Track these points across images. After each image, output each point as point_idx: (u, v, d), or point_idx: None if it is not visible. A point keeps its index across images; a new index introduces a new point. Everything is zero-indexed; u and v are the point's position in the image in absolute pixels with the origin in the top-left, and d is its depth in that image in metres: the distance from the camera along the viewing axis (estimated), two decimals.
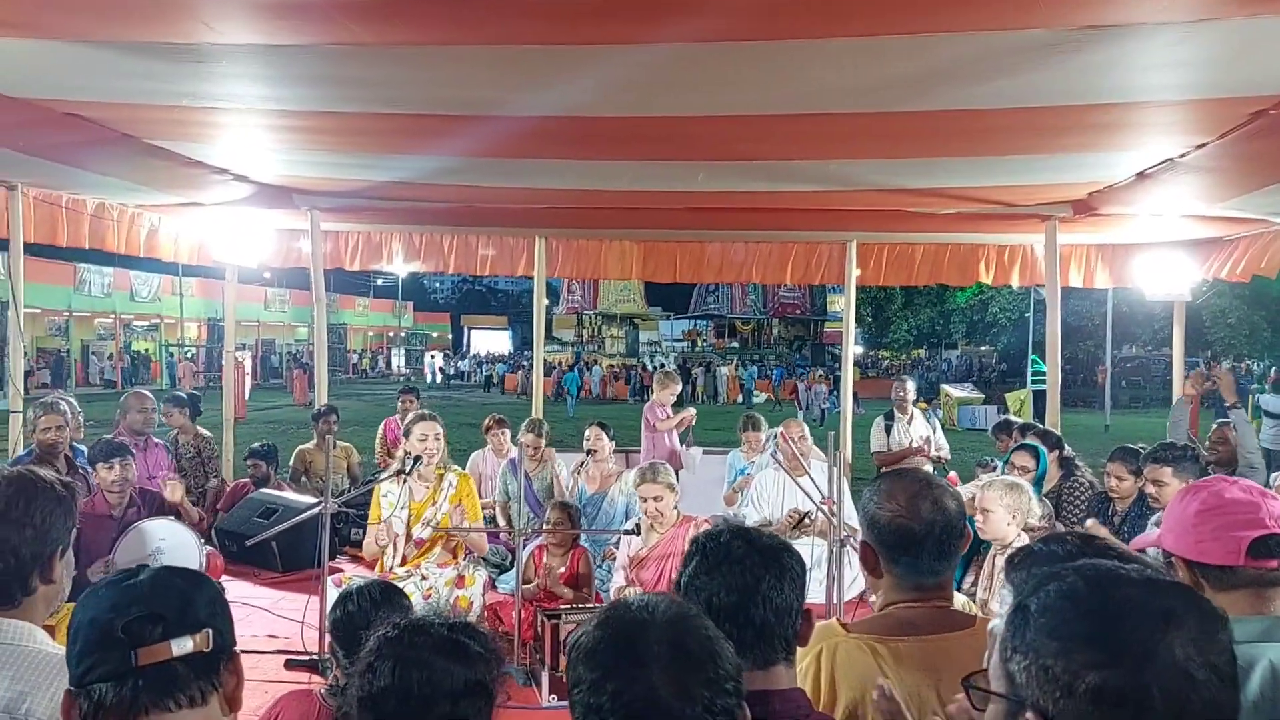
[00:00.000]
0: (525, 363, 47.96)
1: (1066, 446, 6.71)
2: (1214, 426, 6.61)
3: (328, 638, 5.26)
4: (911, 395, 8.68)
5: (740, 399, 39.04)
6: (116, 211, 7.75)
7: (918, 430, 8.57)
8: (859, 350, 48.82)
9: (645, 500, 5.49)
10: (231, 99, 4.86)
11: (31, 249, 6.91)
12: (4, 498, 2.06)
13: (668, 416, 8.53)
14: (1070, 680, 1.10)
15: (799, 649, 2.01)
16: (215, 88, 4.60)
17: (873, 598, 5.64)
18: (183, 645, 1.51)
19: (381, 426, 9.88)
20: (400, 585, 3.86)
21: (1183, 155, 5.44)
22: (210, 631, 1.55)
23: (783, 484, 6.49)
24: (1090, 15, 3.38)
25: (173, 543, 5.52)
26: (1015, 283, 9.34)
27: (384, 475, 6.07)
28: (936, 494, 2.22)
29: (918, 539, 2.16)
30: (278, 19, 3.49)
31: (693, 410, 9.17)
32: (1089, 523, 5.63)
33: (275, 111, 5.13)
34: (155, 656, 1.49)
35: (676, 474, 6.11)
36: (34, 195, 6.83)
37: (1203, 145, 5.19)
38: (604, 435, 7.25)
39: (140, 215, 8.07)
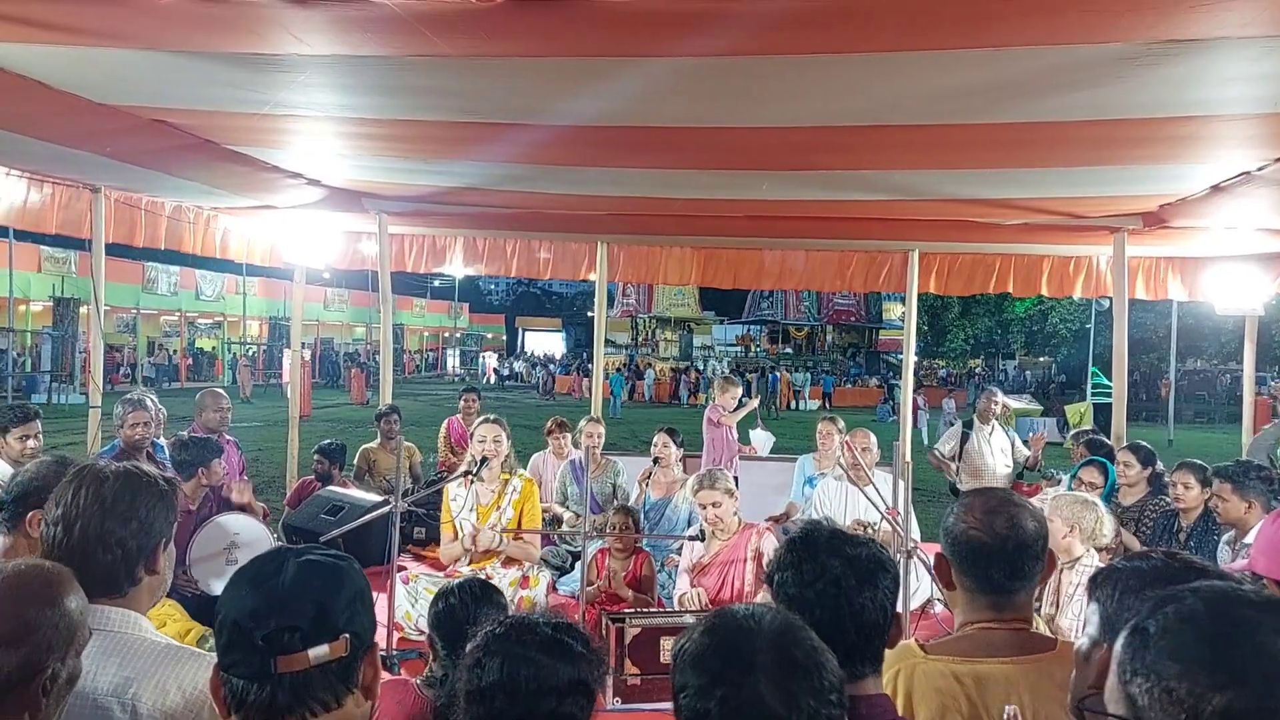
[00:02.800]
0: (568, 365, 48.32)
1: (1159, 464, 6.59)
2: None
3: (398, 635, 5.39)
4: (999, 406, 8.64)
5: (792, 404, 39.00)
6: (193, 213, 7.96)
7: (998, 442, 8.49)
8: (915, 359, 48.06)
9: (704, 507, 5.50)
10: (311, 107, 4.98)
11: (106, 248, 7.10)
12: (111, 493, 2.15)
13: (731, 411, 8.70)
14: (1195, 703, 1.10)
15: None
16: (297, 96, 4.71)
17: (937, 609, 5.65)
18: (320, 653, 1.55)
19: (444, 425, 10.04)
20: None
21: (1260, 168, 5.35)
22: (348, 636, 1.58)
23: (845, 492, 6.48)
24: (1171, 30, 3.36)
25: (247, 537, 5.64)
26: (1078, 294, 9.24)
27: (452, 477, 6.17)
28: (1014, 512, 2.21)
29: (988, 553, 2.17)
30: (364, 31, 3.58)
31: (753, 402, 9.28)
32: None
33: (351, 119, 5.25)
34: (294, 665, 1.53)
35: (736, 481, 6.13)
36: (115, 197, 7.04)
37: None
38: (671, 443, 7.27)
39: (215, 217, 8.29)
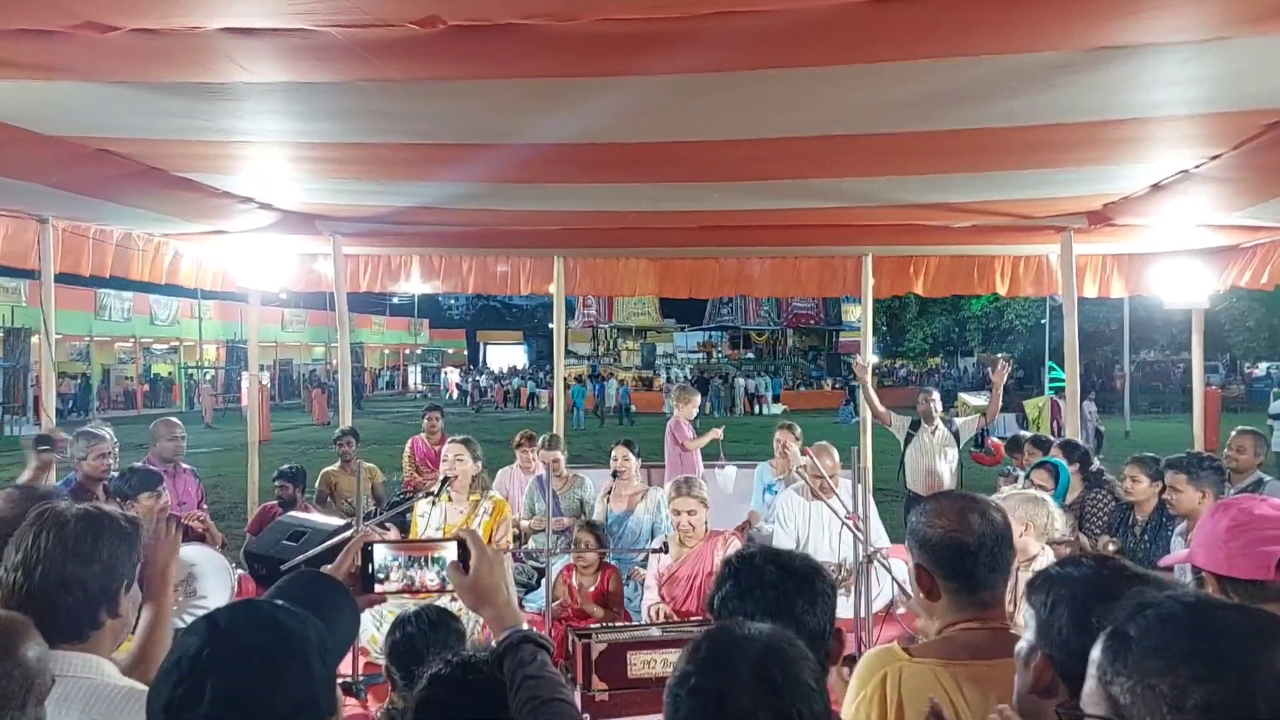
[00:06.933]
0: (535, 378, 48.25)
1: (1095, 460, 6.69)
2: (1233, 434, 6.58)
3: (364, 660, 5.37)
4: (938, 405, 8.66)
5: (756, 409, 39.29)
6: (142, 241, 7.87)
7: (940, 441, 8.54)
8: (875, 359, 48.21)
9: (679, 514, 5.55)
10: (260, 133, 4.97)
11: (55, 277, 6.98)
12: (73, 534, 2.12)
13: (695, 435, 8.68)
14: (1177, 697, 1.16)
15: (852, 668, 2.06)
16: (244, 123, 4.70)
17: (899, 610, 5.69)
18: None
19: (408, 445, 9.98)
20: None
21: (1197, 166, 5.48)
22: None
23: (809, 508, 6.50)
24: (1100, 38, 3.44)
25: (206, 568, 5.60)
26: (1030, 293, 9.38)
27: (415, 498, 6.19)
28: (983, 508, 2.29)
29: (971, 552, 2.21)
30: (310, 59, 3.57)
31: (718, 432, 9.27)
32: (1101, 540, 5.65)
33: (302, 144, 5.23)
34: None
35: None
36: (63, 228, 6.94)
37: (1217, 156, 5.23)
38: (630, 455, 7.28)
39: (165, 244, 8.18)
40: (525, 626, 1.92)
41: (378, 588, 2.08)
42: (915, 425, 8.59)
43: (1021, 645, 1.78)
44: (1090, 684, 1.30)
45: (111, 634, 2.17)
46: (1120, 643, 1.26)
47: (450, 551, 2.06)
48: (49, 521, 2.13)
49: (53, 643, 1.98)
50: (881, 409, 8.66)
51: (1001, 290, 9.27)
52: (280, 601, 1.61)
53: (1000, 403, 8.52)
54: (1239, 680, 1.16)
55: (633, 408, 37.32)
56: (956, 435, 8.49)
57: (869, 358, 8.98)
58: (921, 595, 2.32)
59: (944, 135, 4.85)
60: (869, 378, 8.72)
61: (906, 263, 9.10)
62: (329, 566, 2.09)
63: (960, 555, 2.22)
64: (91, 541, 2.12)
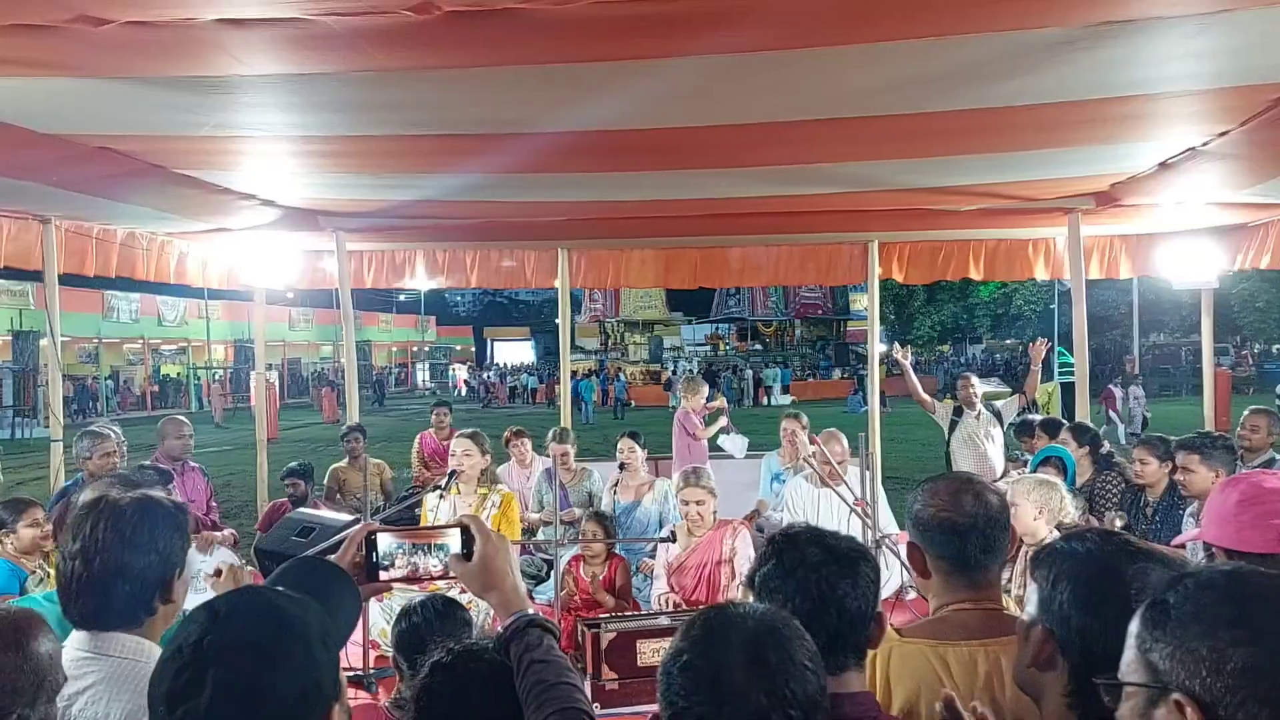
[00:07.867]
0: (543, 374, 48.24)
1: (1106, 443, 6.63)
2: (1246, 413, 6.50)
3: (375, 653, 5.36)
4: (977, 390, 8.68)
5: (765, 400, 39.26)
6: (146, 240, 7.85)
7: (985, 424, 8.53)
8: (882, 348, 47.75)
9: (687, 504, 5.53)
10: (259, 127, 4.95)
11: (60, 278, 6.97)
12: (130, 524, 2.13)
13: (704, 425, 8.68)
14: (1217, 660, 1.17)
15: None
16: (243, 117, 4.68)
17: (909, 596, 5.68)
18: None
19: (417, 440, 9.99)
20: None
21: (1205, 144, 5.43)
22: None
23: (817, 496, 6.47)
24: (1107, 12, 3.40)
25: (215, 567, 5.58)
26: (1039, 276, 9.32)
27: (424, 491, 6.19)
28: (979, 489, 2.28)
29: (961, 531, 2.20)
30: (304, 50, 3.55)
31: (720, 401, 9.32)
32: (1108, 516, 5.62)
33: (301, 137, 5.21)
34: None
35: None
36: (66, 228, 6.94)
37: (1224, 133, 5.18)
38: (636, 447, 7.26)
39: (169, 243, 8.17)
40: (531, 611, 1.90)
41: (382, 575, 2.06)
42: (958, 411, 8.64)
43: (1023, 618, 1.76)
44: (1129, 654, 1.30)
45: (164, 619, 2.18)
46: (1160, 611, 1.27)
47: (454, 538, 2.04)
48: (105, 511, 2.15)
49: (108, 626, 2.06)
50: (926, 397, 8.86)
51: (1009, 275, 9.25)
52: (280, 588, 1.59)
53: (1039, 380, 8.61)
54: (1277, 644, 1.16)
55: (632, 403, 37.43)
56: (998, 415, 8.51)
57: (893, 349, 9.08)
58: (914, 573, 2.31)
59: (949, 116, 4.80)
60: (908, 363, 8.85)
61: (914, 249, 9.06)
62: (333, 557, 2.08)
63: (950, 535, 2.22)
64: (148, 532, 2.14)
